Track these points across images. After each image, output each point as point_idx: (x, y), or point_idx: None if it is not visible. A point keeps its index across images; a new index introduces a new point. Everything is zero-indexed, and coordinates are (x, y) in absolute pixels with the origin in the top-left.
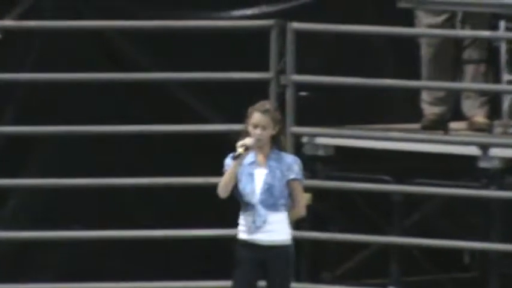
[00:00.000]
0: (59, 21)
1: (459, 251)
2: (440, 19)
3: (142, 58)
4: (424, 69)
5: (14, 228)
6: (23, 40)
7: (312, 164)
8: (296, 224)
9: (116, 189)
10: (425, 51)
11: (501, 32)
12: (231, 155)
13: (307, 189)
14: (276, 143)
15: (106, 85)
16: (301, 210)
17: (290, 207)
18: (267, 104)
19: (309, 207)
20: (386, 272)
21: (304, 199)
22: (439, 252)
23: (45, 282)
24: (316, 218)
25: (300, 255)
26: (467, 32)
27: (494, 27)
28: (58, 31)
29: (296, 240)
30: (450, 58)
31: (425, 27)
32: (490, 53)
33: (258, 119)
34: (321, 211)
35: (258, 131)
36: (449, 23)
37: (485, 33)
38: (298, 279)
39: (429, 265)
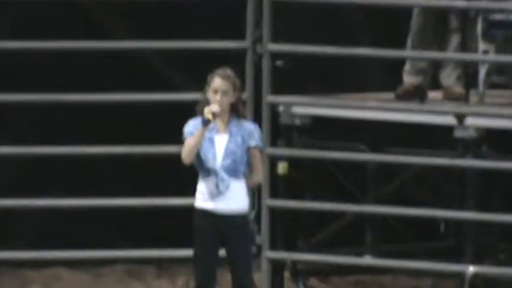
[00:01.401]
0: None
1: (435, 220)
2: None
3: (120, 28)
4: (410, 39)
5: None
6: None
7: (288, 134)
8: (272, 193)
9: (92, 158)
10: (414, 21)
11: (477, 2)
12: (189, 122)
13: (283, 158)
14: (236, 110)
15: (83, 55)
16: (258, 178)
17: (247, 175)
18: (227, 70)
19: (285, 177)
20: (362, 241)
21: (260, 167)
22: (415, 221)
23: (17, 250)
24: (291, 187)
25: (275, 224)
26: (442, 1)
27: None
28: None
29: (271, 209)
30: (434, 29)
31: None
32: (466, 23)
33: (219, 84)
34: (296, 180)
35: (218, 97)
36: None
37: (461, 3)
38: (274, 248)
39: (405, 234)
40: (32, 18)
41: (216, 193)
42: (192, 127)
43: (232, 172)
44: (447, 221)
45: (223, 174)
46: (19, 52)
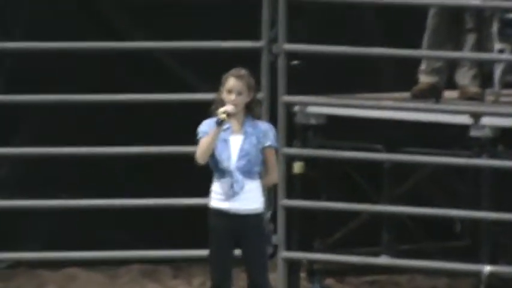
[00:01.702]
0: None
1: (450, 220)
2: None
3: (134, 28)
4: (426, 39)
5: (4, 197)
6: (11, 10)
7: (303, 133)
8: (288, 193)
9: (107, 159)
10: (430, 21)
11: (492, 1)
12: (204, 122)
13: (298, 158)
14: (250, 110)
15: (96, 55)
16: (274, 178)
17: (263, 175)
18: (241, 70)
19: (301, 177)
20: (378, 241)
21: (275, 167)
22: (431, 221)
23: (33, 251)
24: (307, 187)
25: (291, 224)
26: (457, 1)
27: None
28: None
29: (287, 209)
30: (449, 28)
31: None
32: (481, 22)
33: (233, 84)
34: (312, 180)
35: (233, 97)
36: None
37: (476, 2)
38: (290, 248)
39: (421, 234)
40: (45, 19)
41: (231, 194)
42: (206, 127)
43: (247, 173)
44: (463, 221)
45: (238, 175)
46: (32, 53)
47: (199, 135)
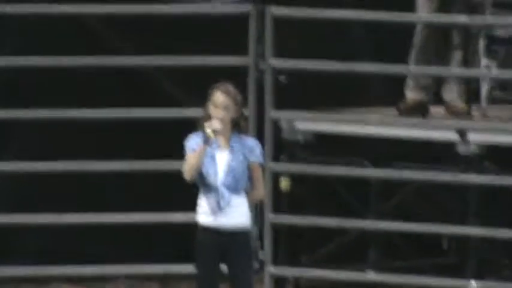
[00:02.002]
0: (36, 5)
1: (438, 236)
2: (433, 5)
3: (122, 43)
4: (413, 55)
5: None
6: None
7: (290, 149)
8: (275, 208)
9: (96, 174)
10: (417, 38)
11: (478, 18)
12: (190, 137)
13: (285, 174)
14: (237, 125)
15: (85, 70)
16: (260, 194)
17: (249, 190)
18: (228, 85)
19: (288, 192)
20: (365, 257)
21: (261, 182)
22: (418, 237)
23: (19, 266)
24: (294, 202)
25: (278, 240)
26: (443, 17)
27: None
28: (36, 16)
29: (274, 225)
30: (436, 45)
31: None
32: (468, 39)
33: (220, 99)
34: (299, 196)
35: (219, 112)
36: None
37: (463, 19)
38: (277, 263)
39: (408, 250)
40: (36, 34)
41: (217, 209)
42: (193, 142)
43: (234, 189)
44: (450, 237)
45: (224, 191)
46: (23, 68)
47: (186, 150)
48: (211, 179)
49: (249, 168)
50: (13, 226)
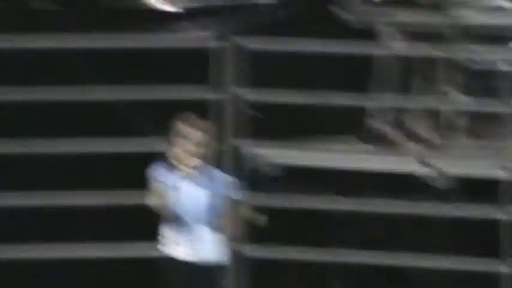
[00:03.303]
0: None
1: (406, 268)
2: (400, 35)
3: (87, 75)
4: (374, 84)
5: None
6: None
7: (257, 181)
8: (241, 240)
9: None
10: (377, 66)
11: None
12: (155, 166)
13: (251, 206)
14: (203, 156)
15: (50, 102)
16: (231, 228)
17: (220, 225)
18: (193, 116)
19: (254, 224)
20: None
21: (229, 215)
22: (386, 268)
23: None
24: (261, 234)
25: (243, 272)
26: (404, 48)
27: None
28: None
29: (240, 257)
30: (398, 74)
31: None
32: (435, 68)
33: (185, 130)
34: (266, 228)
35: (184, 142)
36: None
37: (424, 50)
38: None
39: (376, 281)
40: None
41: (187, 242)
42: (157, 172)
43: (201, 220)
44: (416, 269)
45: (194, 225)
46: None
47: (151, 180)
48: (181, 211)
49: (217, 201)
50: None
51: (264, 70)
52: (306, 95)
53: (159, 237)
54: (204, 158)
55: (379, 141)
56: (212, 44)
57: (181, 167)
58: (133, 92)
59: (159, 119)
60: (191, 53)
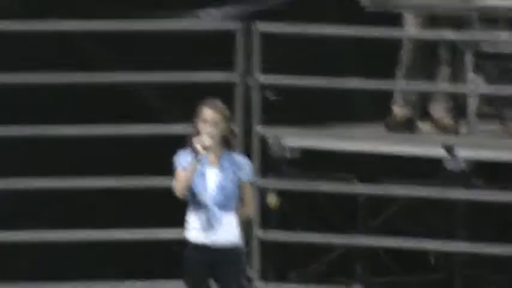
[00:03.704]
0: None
1: (425, 252)
2: (421, 21)
3: (107, 59)
4: (400, 71)
5: None
6: None
7: (278, 166)
8: (263, 225)
9: (82, 191)
10: (404, 53)
11: (465, 34)
12: (179, 153)
13: (273, 190)
14: (226, 141)
15: (68, 86)
16: (250, 211)
17: (239, 208)
18: (216, 101)
19: (276, 209)
20: (352, 273)
21: (251, 200)
22: (405, 253)
23: (12, 285)
24: (282, 219)
25: (266, 256)
26: (430, 33)
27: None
28: (21, 32)
29: (262, 241)
30: (424, 61)
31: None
32: (455, 55)
33: (209, 115)
34: (287, 212)
35: (208, 127)
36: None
37: (450, 35)
38: (265, 280)
39: (395, 266)
40: (21, 51)
41: (207, 227)
42: (182, 158)
43: (223, 206)
44: (437, 253)
45: (214, 209)
46: (9, 86)
47: (175, 166)
48: (201, 196)
49: (239, 186)
50: (5, 244)
51: (287, 54)
52: (328, 80)
53: (183, 222)
54: (227, 143)
55: (404, 127)
56: (235, 27)
57: (205, 152)
58: (159, 76)
59: (183, 104)
60: (216, 36)
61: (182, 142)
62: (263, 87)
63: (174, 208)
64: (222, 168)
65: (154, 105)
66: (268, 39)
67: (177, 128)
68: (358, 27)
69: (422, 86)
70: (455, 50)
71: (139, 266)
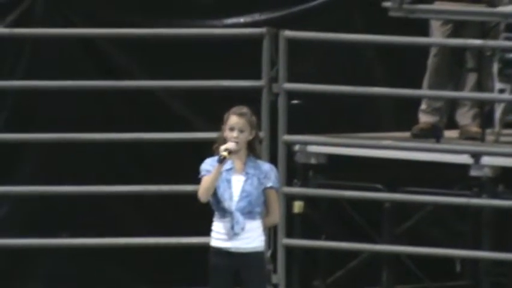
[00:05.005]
0: (49, 29)
1: (451, 260)
2: (446, 28)
3: (133, 67)
4: (427, 78)
5: (5, 236)
6: (14, 48)
7: (304, 173)
8: (288, 232)
9: (107, 197)
10: (431, 61)
11: (492, 41)
12: (206, 160)
13: (298, 197)
14: (252, 149)
15: (96, 93)
16: (275, 218)
17: (264, 215)
18: (243, 108)
19: (301, 216)
20: (378, 280)
21: (277, 207)
22: (431, 260)
23: None
24: (307, 226)
25: (291, 263)
26: (457, 41)
27: (486, 36)
28: (49, 39)
29: (287, 248)
30: (450, 68)
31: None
32: (481, 62)
33: (235, 122)
34: (312, 219)
35: (235, 134)
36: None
37: (477, 42)
38: (290, 287)
39: (421, 273)
40: (46, 57)
41: (232, 234)
42: (209, 166)
43: (248, 213)
44: (463, 261)
45: (238, 216)
46: (33, 91)
47: (202, 173)
48: (226, 203)
49: (264, 193)
50: (26, 250)
51: (315, 63)
52: (354, 88)
53: (208, 228)
54: (252, 149)
55: (430, 135)
56: (262, 34)
57: (229, 156)
58: (186, 83)
59: (210, 110)
60: (243, 43)
61: (209, 149)
62: (289, 94)
63: (199, 215)
64: (247, 175)
65: (181, 113)
66: (295, 46)
67: (203, 136)
68: (386, 36)
69: (449, 93)
70: (481, 57)
71: (166, 273)
